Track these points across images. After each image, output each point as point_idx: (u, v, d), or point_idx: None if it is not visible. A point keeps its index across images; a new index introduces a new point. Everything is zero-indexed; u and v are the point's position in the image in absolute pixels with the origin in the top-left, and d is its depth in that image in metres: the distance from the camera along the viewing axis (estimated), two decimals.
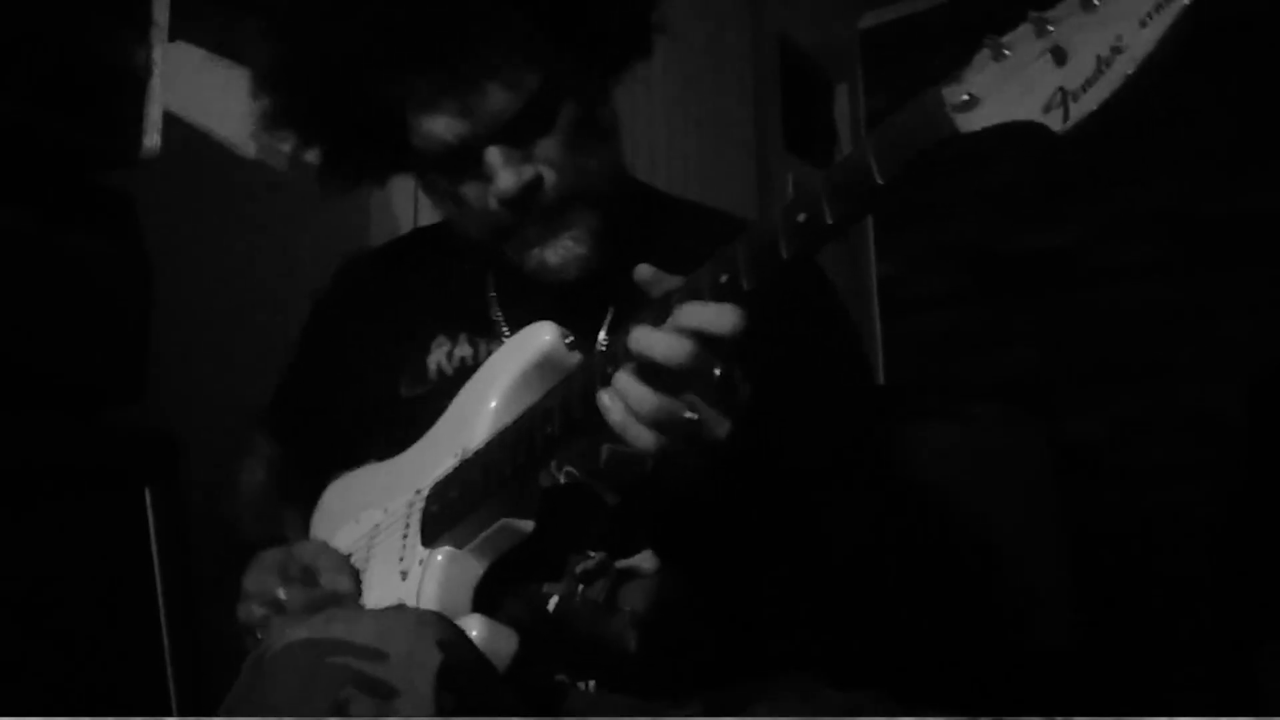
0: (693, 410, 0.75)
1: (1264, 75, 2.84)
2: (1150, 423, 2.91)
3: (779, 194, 3.03)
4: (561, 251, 0.99)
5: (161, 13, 1.32)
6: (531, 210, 0.98)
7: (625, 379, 0.77)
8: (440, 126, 0.96)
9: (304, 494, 1.19)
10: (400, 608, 0.90)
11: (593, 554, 0.99)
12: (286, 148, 1.05)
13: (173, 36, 1.35)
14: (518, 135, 0.96)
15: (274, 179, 1.87)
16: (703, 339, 0.74)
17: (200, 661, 1.26)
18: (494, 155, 0.96)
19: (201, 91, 1.74)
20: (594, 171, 1.00)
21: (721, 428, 0.77)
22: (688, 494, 0.91)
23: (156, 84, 1.30)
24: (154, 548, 1.25)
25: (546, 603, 0.97)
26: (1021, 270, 3.19)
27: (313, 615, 0.95)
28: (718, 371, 0.75)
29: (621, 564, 0.99)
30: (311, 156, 1.07)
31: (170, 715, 1.21)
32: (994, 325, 3.22)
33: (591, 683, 0.96)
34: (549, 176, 0.98)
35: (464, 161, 0.98)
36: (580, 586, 0.98)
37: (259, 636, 0.99)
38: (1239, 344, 2.74)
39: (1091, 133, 0.59)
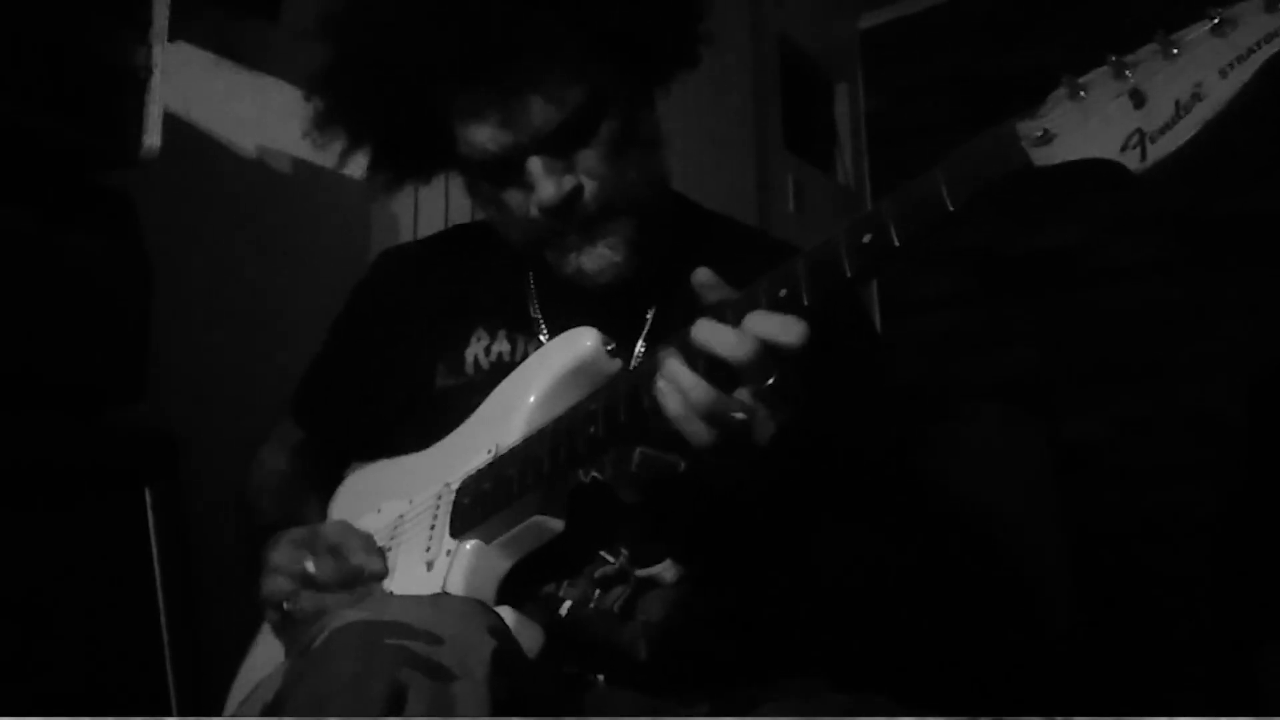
0: (744, 410, 0.76)
1: (1265, 75, 2.84)
2: (1150, 423, 2.91)
3: (779, 194, 3.04)
4: (598, 259, 1.01)
5: (161, 13, 1.32)
6: (570, 218, 1.00)
7: (680, 369, 0.77)
8: (484, 136, 0.98)
9: (325, 481, 1.19)
10: (446, 595, 0.91)
11: (612, 559, 0.99)
12: (337, 146, 1.06)
13: (173, 36, 1.35)
14: (560, 146, 0.98)
15: (274, 179, 1.87)
16: (768, 346, 0.75)
17: (200, 661, 1.26)
18: (535, 165, 0.98)
19: (201, 91, 1.74)
20: (634, 182, 1.01)
21: (766, 431, 0.78)
22: (723, 497, 0.91)
23: (156, 84, 1.30)
24: (154, 548, 1.25)
25: (560, 607, 0.97)
26: (1021, 270, 3.19)
27: (351, 595, 0.98)
28: (772, 379, 0.76)
29: (642, 573, 1.00)
30: (360, 156, 1.08)
31: (170, 715, 1.21)
32: (994, 325, 3.22)
33: (600, 676, 0.96)
34: (589, 187, 0.99)
35: (507, 170, 1.00)
36: (597, 592, 0.98)
37: (285, 608, 1.00)
38: (1239, 344, 2.74)
39: (1168, 174, 0.61)
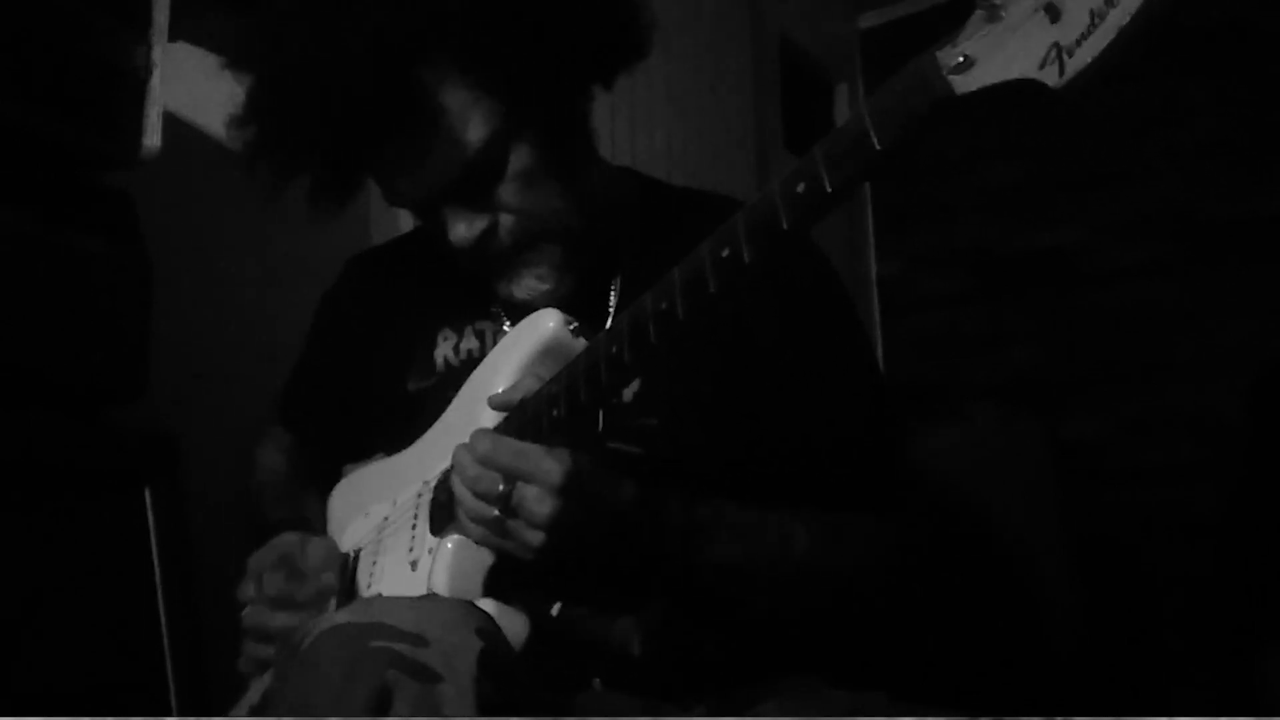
0: (498, 510, 0.87)
1: (1263, 75, 2.84)
2: (1150, 423, 2.91)
3: None
4: (527, 288, 1.02)
5: (161, 13, 1.32)
6: (488, 256, 1.00)
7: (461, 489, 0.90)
8: (385, 190, 1.02)
9: (321, 480, 1.20)
10: (434, 596, 0.91)
11: None
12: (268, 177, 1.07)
13: (173, 36, 1.35)
14: (465, 192, 0.98)
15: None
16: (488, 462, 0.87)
17: (200, 661, 1.26)
18: (446, 212, 0.99)
19: (201, 91, 1.74)
20: (555, 209, 1.00)
21: (529, 536, 0.86)
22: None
23: (156, 84, 1.30)
24: (154, 548, 1.25)
25: (550, 607, 0.97)
26: (1021, 270, 3.19)
27: (291, 618, 1.00)
28: (501, 487, 0.86)
29: None
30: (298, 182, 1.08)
31: (170, 715, 1.21)
32: (994, 325, 3.22)
33: (597, 680, 0.96)
34: (504, 222, 0.99)
35: (423, 214, 1.02)
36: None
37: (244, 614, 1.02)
38: (1239, 344, 2.74)
39: (1087, 87, 0.59)
